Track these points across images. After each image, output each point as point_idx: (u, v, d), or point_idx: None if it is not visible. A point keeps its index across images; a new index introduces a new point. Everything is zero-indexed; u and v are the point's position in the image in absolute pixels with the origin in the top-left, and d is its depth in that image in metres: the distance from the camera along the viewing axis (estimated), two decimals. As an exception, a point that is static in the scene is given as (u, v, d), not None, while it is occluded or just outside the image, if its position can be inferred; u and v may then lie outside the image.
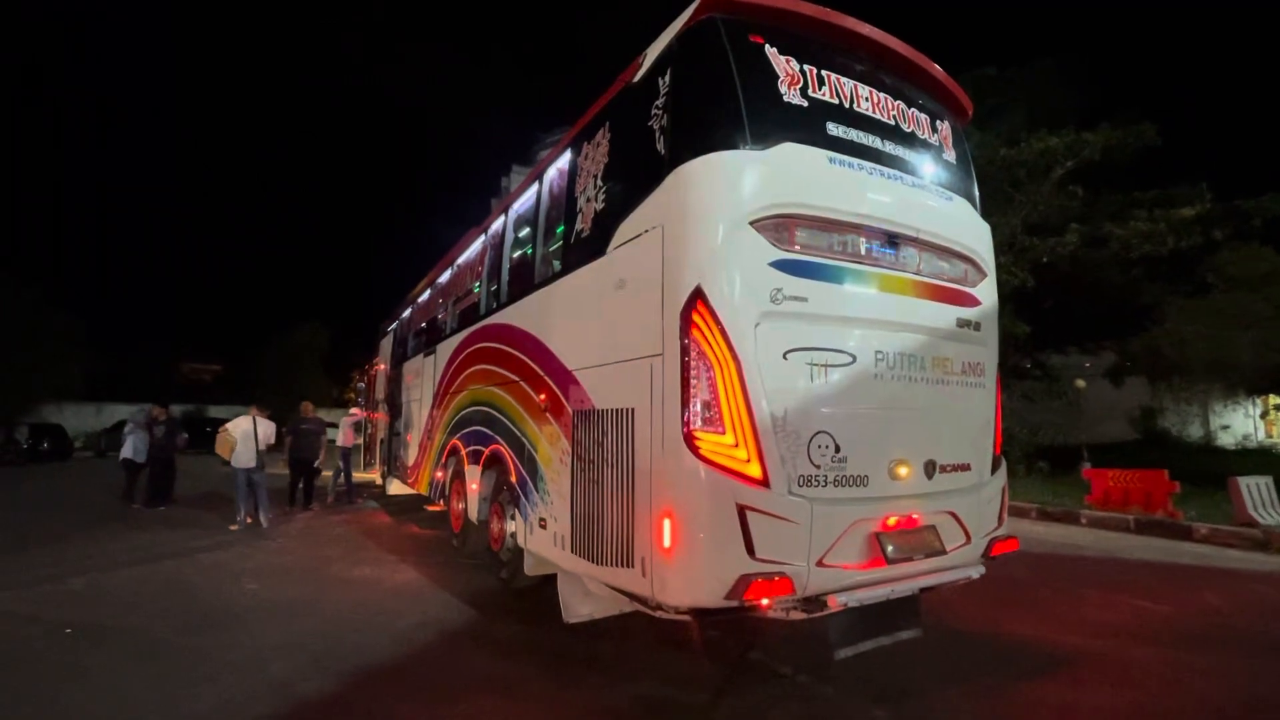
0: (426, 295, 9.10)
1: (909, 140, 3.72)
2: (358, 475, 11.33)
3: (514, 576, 4.94)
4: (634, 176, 3.54)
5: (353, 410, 10.62)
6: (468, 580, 5.47)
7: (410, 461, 8.96)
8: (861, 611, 3.06)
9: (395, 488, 10.01)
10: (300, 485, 9.66)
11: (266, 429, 8.21)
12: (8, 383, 22.43)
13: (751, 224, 3.01)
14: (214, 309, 51.57)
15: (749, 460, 2.84)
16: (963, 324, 3.68)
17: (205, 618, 4.52)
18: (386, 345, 11.57)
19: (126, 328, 32.43)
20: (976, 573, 3.52)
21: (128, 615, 4.56)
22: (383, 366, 11.71)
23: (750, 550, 2.78)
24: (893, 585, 3.14)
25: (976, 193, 4.17)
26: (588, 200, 4.08)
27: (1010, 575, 5.44)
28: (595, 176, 4.02)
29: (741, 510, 2.78)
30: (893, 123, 3.66)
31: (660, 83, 3.40)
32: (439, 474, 7.23)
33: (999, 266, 4.29)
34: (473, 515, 5.93)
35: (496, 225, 6.30)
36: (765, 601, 2.83)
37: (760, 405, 2.89)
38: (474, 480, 5.91)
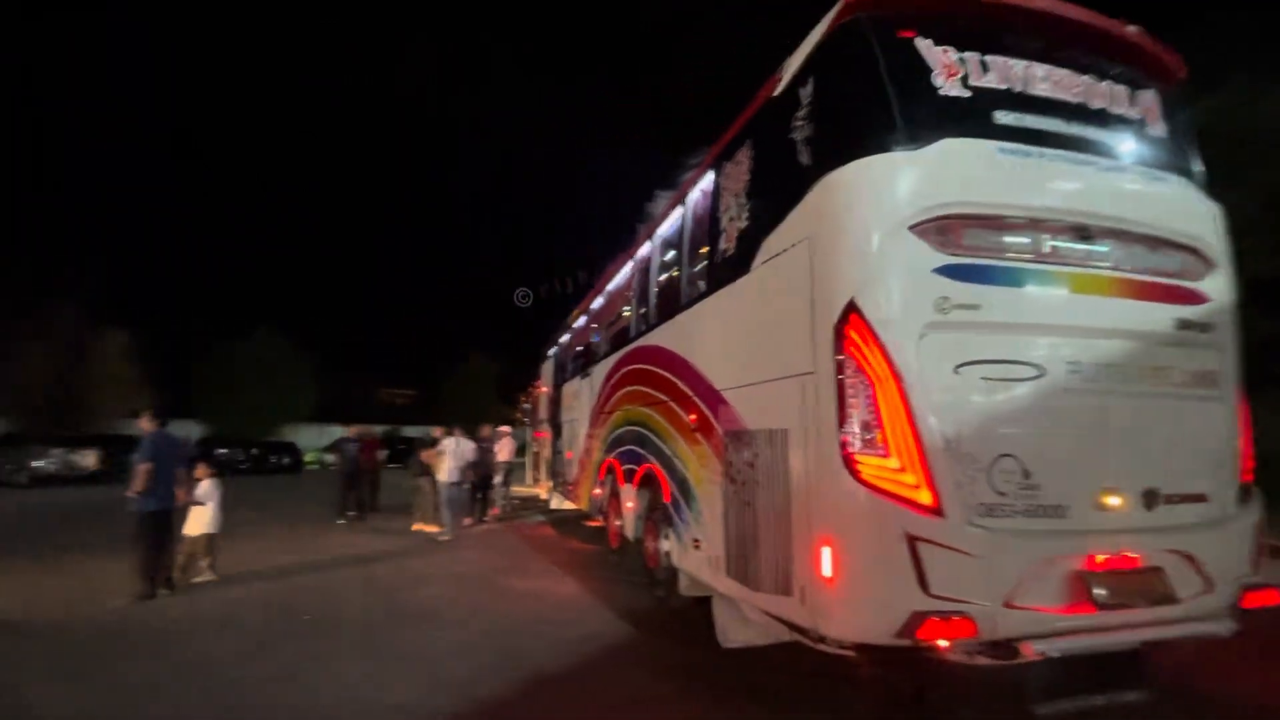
0: (581, 321, 9.64)
1: (1100, 118, 3.24)
2: (525, 489, 12.20)
3: (670, 595, 4.98)
4: (778, 191, 3.46)
5: (501, 429, 11.47)
6: (626, 597, 5.61)
7: (571, 478, 9.47)
8: (1067, 664, 2.63)
9: (559, 502, 10.62)
10: (479, 498, 10.61)
11: (466, 448, 9.13)
12: (255, 408, 27.51)
13: (910, 229, 2.79)
14: (407, 342, 59.21)
15: (918, 486, 2.61)
16: (1184, 325, 3.09)
17: (400, 616, 5.11)
18: (548, 369, 12.41)
19: (342, 360, 38.29)
20: (1224, 629, 2.88)
21: (343, 608, 5.30)
22: (545, 389, 12.57)
23: (924, 585, 2.54)
24: (1106, 636, 2.68)
25: (1199, 169, 3.50)
26: (730, 219, 4.07)
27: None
28: (737, 195, 4.00)
29: (911, 541, 2.55)
30: (1077, 101, 3.21)
31: (802, 93, 3.31)
32: (597, 491, 7.55)
33: (1242, 252, 3.53)
34: (629, 533, 6.10)
35: (643, 250, 6.51)
36: (943, 643, 2.56)
37: (928, 425, 2.65)
38: (629, 498, 6.08)
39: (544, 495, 12.06)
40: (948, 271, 2.80)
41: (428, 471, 9.50)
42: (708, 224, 4.55)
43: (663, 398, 5.17)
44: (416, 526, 9.33)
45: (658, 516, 5.38)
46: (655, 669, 3.99)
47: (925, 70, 3.03)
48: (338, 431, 28.80)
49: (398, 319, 65.03)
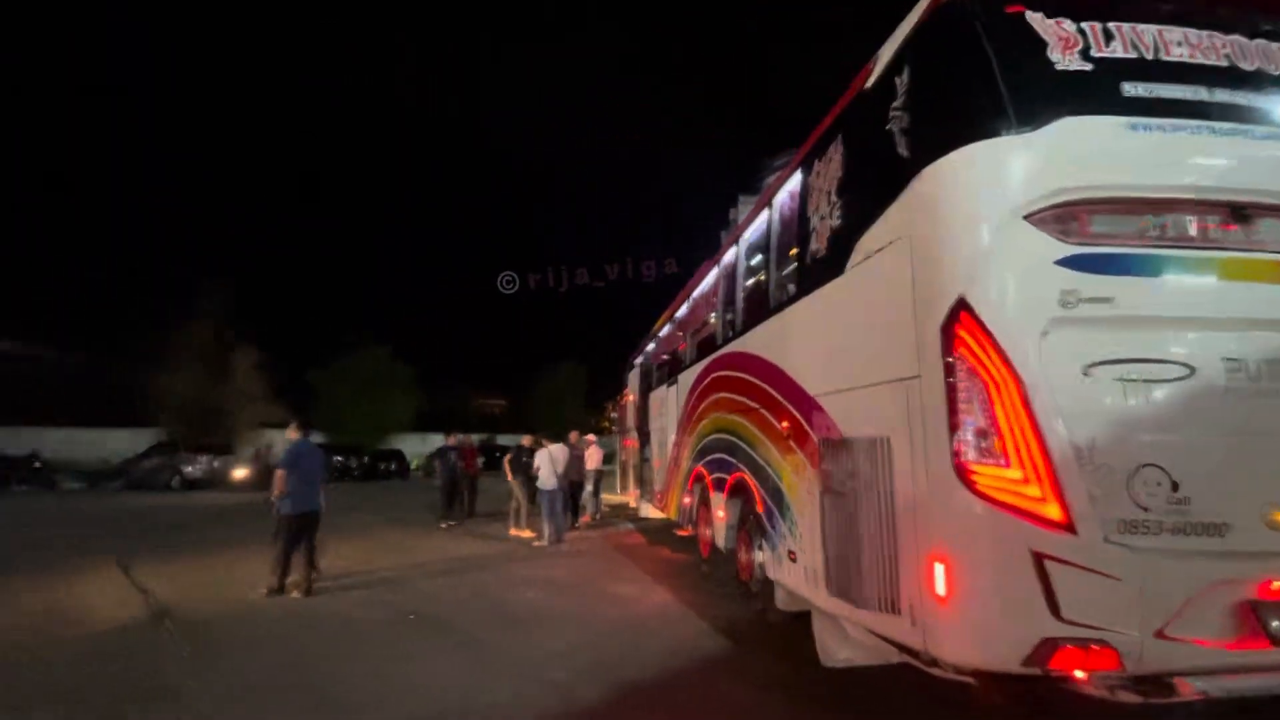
0: (667, 329, 9.65)
1: (1255, 81, 2.85)
2: (614, 497, 12.33)
3: (766, 609, 4.84)
4: (873, 187, 3.30)
5: (587, 437, 11.63)
6: (719, 608, 5.51)
7: (659, 487, 9.46)
8: (1236, 706, 2.30)
9: (648, 510, 10.65)
10: (571, 505, 10.83)
11: (561, 454, 9.38)
12: (365, 418, 29.61)
13: (1026, 218, 2.57)
14: (499, 351, 61.90)
15: (1044, 499, 2.37)
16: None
17: (500, 619, 5.27)
18: (634, 377, 12.51)
19: (440, 371, 40.60)
20: None
21: (446, 609, 5.55)
22: (632, 397, 12.68)
23: (1054, 609, 2.30)
24: (1283, 676, 2.32)
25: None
26: (821, 219, 3.93)
27: None
28: (829, 193, 3.86)
29: (1039, 559, 2.32)
30: (1225, 63, 2.84)
31: (898, 82, 3.14)
32: (686, 500, 7.49)
33: None
34: (720, 543, 5.99)
35: (728, 255, 6.43)
36: (1080, 675, 2.30)
37: (1055, 432, 2.41)
38: (719, 508, 5.99)
39: (633, 503, 12.13)
40: (1073, 263, 2.55)
41: (522, 477, 9.82)
42: (796, 226, 4.42)
43: (752, 405, 5.06)
44: (513, 532, 9.65)
45: (750, 527, 5.26)
46: (753, 683, 3.88)
47: (1038, 46, 2.78)
48: (438, 440, 30.63)
49: (491, 329, 68.11)
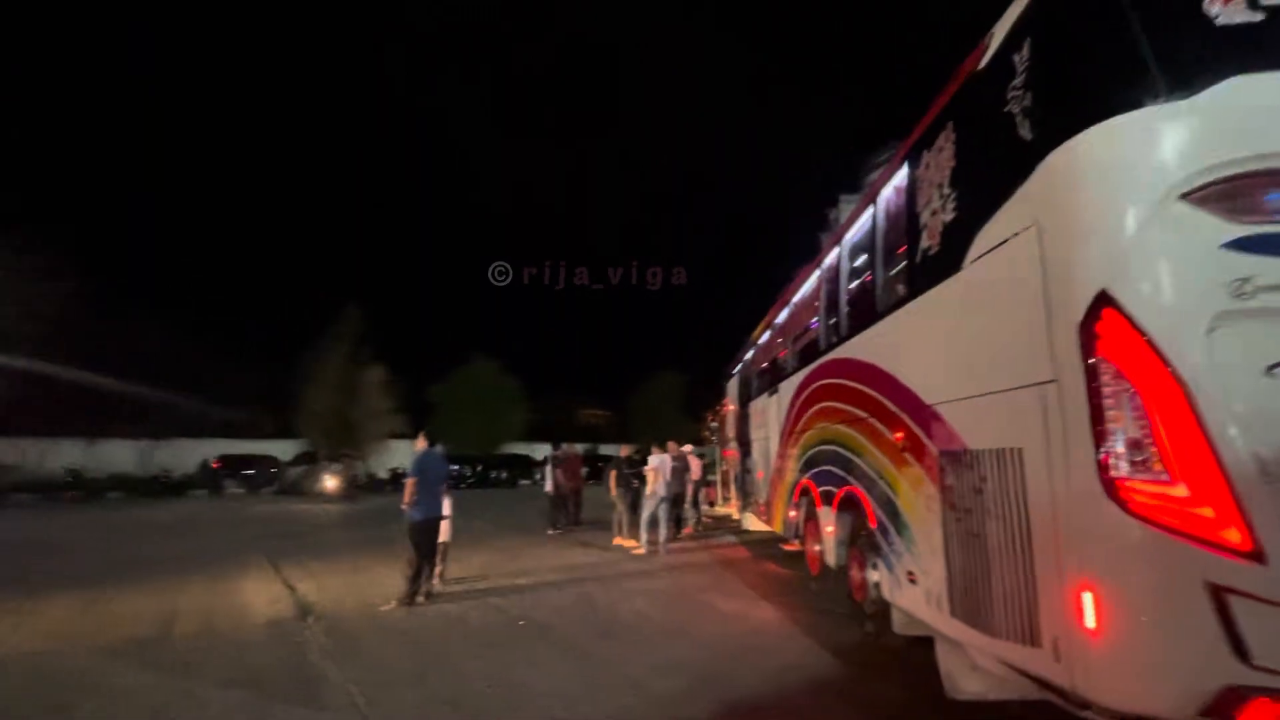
0: (766, 336, 9.42)
1: None
2: (718, 509, 12.16)
3: (882, 632, 4.54)
4: (991, 176, 3.03)
5: (684, 448, 11.49)
6: (830, 628, 5.24)
7: (762, 499, 9.21)
8: None
9: (751, 523, 10.40)
10: (674, 516, 10.80)
11: (667, 464, 9.42)
12: (479, 428, 31.33)
13: (1183, 198, 2.24)
14: (602, 363, 63.57)
15: (1221, 521, 2.03)
16: None
17: (605, 628, 5.32)
18: (733, 387, 12.32)
19: (546, 382, 42.31)
20: None
21: (554, 617, 5.68)
22: (731, 407, 12.48)
23: (1241, 653, 1.95)
24: None
25: None
26: (933, 214, 3.66)
27: None
28: (940, 186, 3.59)
29: (1217, 592, 1.99)
30: None
31: (1016, 58, 2.87)
32: (791, 513, 7.23)
33: None
34: (830, 560, 5.71)
35: (830, 258, 6.17)
36: (1280, 732, 1.94)
37: (1231, 443, 2.06)
38: (828, 523, 5.72)
39: (735, 515, 11.90)
40: (1246, 245, 2.19)
41: (623, 487, 9.94)
42: (904, 222, 4.15)
43: (861, 414, 4.79)
44: (616, 541, 9.77)
45: (862, 544, 4.97)
46: (866, 710, 3.63)
47: (1190, 0, 2.44)
48: (546, 449, 31.91)
49: (593, 341, 70.02)
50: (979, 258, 3.07)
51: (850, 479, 5.04)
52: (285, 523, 13.93)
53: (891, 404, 4.19)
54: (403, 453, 26.51)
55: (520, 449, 32.86)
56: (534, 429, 35.47)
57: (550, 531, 11.17)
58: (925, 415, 3.63)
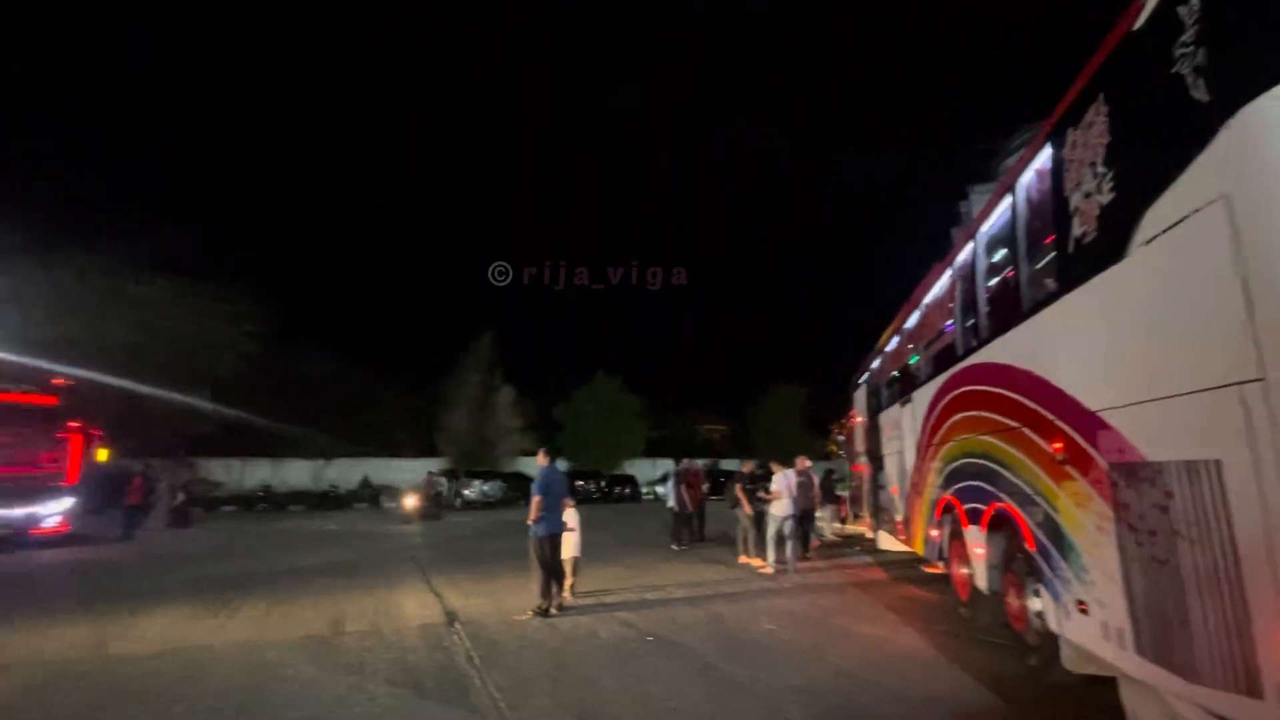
0: (894, 343, 8.88)
1: None
2: (850, 527, 11.54)
3: (1048, 666, 4.04)
4: (1158, 147, 2.67)
5: (804, 463, 10.96)
6: (983, 659, 4.75)
7: (898, 517, 8.62)
8: None
9: (886, 542, 9.75)
10: (802, 533, 10.39)
11: (792, 480, 9.16)
12: (601, 444, 32.23)
13: None
14: (719, 376, 63.13)
15: None
16: None
17: (735, 647, 5.21)
18: (860, 397, 11.71)
19: (665, 398, 42.80)
20: None
21: (682, 634, 5.65)
22: (859, 419, 11.85)
23: None
24: None
25: None
26: (1085, 197, 3.28)
27: None
28: (1093, 165, 3.21)
29: None
30: None
31: (1183, 11, 2.51)
32: (933, 533, 6.69)
33: None
34: (981, 584, 5.21)
35: (963, 255, 5.72)
36: None
37: None
38: (976, 544, 5.23)
39: (869, 534, 11.23)
40: None
41: (758, 501, 9.71)
42: (1051, 209, 3.76)
43: (1010, 423, 4.35)
44: (742, 559, 9.56)
45: (1019, 568, 4.48)
46: (1039, 759, 3.24)
47: None
48: (667, 464, 32.17)
49: (711, 356, 69.85)
50: (1149, 241, 2.70)
51: (1001, 495, 4.58)
52: (429, 533, 15.15)
53: (1047, 411, 3.76)
54: (530, 469, 27.99)
55: (642, 465, 33.36)
56: (654, 444, 35.89)
57: (675, 547, 11.18)
58: (1090, 423, 3.22)
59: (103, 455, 14.42)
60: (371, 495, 26.55)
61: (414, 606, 6.90)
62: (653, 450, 35.27)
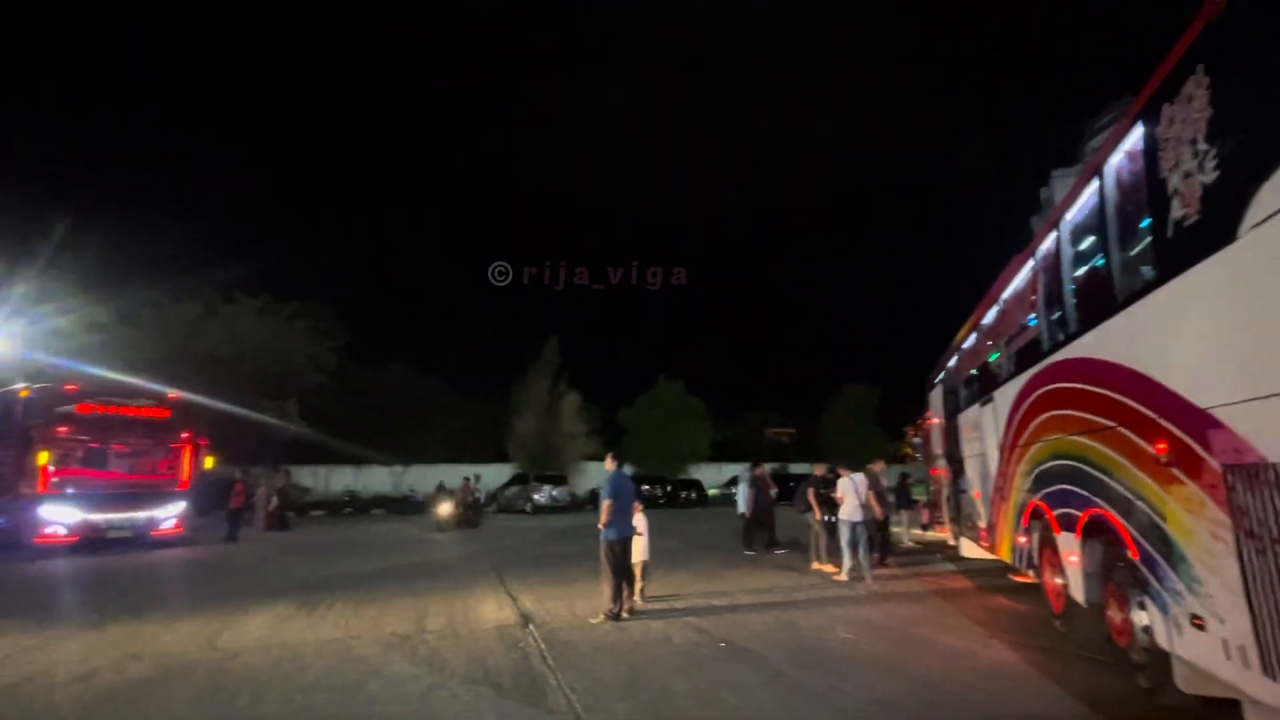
0: (972, 340, 8.46)
1: None
2: (927, 534, 11.06)
3: (1159, 687, 3.74)
4: (1271, 119, 2.44)
5: (872, 466, 10.52)
6: (1082, 676, 4.44)
7: (982, 522, 8.19)
8: None
9: (969, 549, 9.28)
10: (877, 539, 10.02)
11: (863, 484, 8.90)
12: (666, 449, 32.22)
13: None
14: (784, 378, 61.95)
15: None
16: None
17: (809, 656, 5.08)
18: (936, 398, 11.22)
19: (730, 402, 42.43)
20: None
21: (754, 640, 5.57)
22: (936, 420, 11.35)
23: None
24: None
25: None
26: (1186, 175, 3.04)
27: None
28: (1193, 142, 2.97)
29: None
30: None
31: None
32: (1021, 539, 6.32)
33: None
34: (1077, 595, 4.88)
35: (1046, 245, 5.40)
36: None
37: None
38: (1070, 551, 4.90)
39: (951, 540, 10.71)
40: None
41: (824, 506, 9.50)
42: (1146, 191, 3.50)
43: (1106, 423, 4.06)
44: (815, 565, 9.33)
45: (1121, 578, 4.16)
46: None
47: None
48: (733, 469, 31.87)
49: (778, 357, 68.67)
50: (1264, 221, 2.47)
51: (1097, 499, 4.28)
52: (501, 536, 15.60)
53: (1148, 409, 3.49)
54: (597, 474, 28.33)
55: (707, 469, 33.11)
56: (719, 448, 35.57)
57: (747, 553, 11.04)
58: (1199, 422, 2.97)
59: (209, 463, 15.68)
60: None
61: (490, 608, 7.13)
62: (718, 454, 34.96)
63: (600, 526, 6.61)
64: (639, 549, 7.09)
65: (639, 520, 7.13)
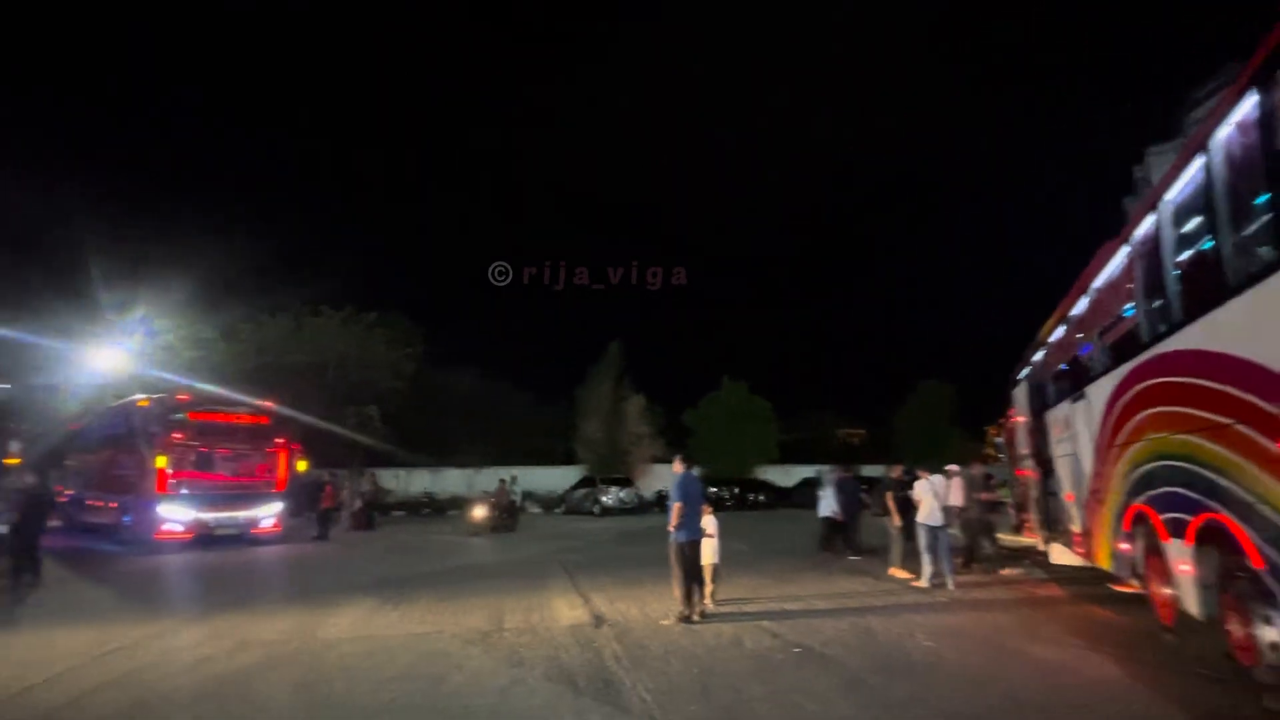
0: (1060, 333, 7.96)
1: None
2: (1013, 539, 10.47)
3: (1290, 710, 3.39)
4: None
5: (950, 467, 9.97)
6: (1198, 694, 4.06)
7: (1075, 527, 7.66)
8: None
9: (1061, 555, 8.69)
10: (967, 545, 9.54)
11: (942, 486, 8.51)
12: (732, 451, 31.86)
13: None
14: (855, 379, 60.07)
15: None
16: None
17: (890, 664, 4.91)
18: (1021, 394, 10.59)
19: (798, 403, 41.56)
20: None
21: (829, 646, 5.43)
22: (1021, 418, 10.72)
23: None
24: None
25: None
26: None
27: None
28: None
29: None
30: None
31: None
32: (1122, 546, 5.88)
33: None
34: (1190, 607, 4.49)
35: (1144, 228, 5.02)
36: None
37: None
38: (1181, 560, 4.52)
39: (1040, 546, 10.07)
40: None
41: (901, 510, 9.17)
42: (1263, 165, 3.20)
43: (1219, 419, 3.73)
44: (892, 571, 9.00)
45: (1242, 589, 3.80)
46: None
47: None
48: (802, 471, 31.21)
49: (846, 357, 66.76)
50: None
51: (1211, 503, 3.93)
52: (571, 537, 15.89)
53: (1270, 404, 3.18)
54: (662, 476, 28.36)
55: (775, 471, 32.53)
56: (788, 449, 34.86)
57: (829, 555, 10.82)
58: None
59: (301, 466, 16.80)
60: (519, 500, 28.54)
61: (563, 607, 7.28)
62: (786, 455, 34.28)
63: (670, 529, 6.62)
64: (709, 551, 7.04)
65: (709, 522, 7.09)
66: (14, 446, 11.38)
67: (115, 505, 15.25)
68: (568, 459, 32.19)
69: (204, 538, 13.77)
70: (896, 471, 9.78)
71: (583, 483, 27.39)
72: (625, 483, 26.44)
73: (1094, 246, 6.63)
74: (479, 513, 17.00)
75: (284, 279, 25.72)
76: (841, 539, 11.07)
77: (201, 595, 8.64)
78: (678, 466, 6.94)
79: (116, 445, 15.67)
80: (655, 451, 31.04)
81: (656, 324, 69.25)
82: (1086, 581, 7.93)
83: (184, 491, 13.85)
